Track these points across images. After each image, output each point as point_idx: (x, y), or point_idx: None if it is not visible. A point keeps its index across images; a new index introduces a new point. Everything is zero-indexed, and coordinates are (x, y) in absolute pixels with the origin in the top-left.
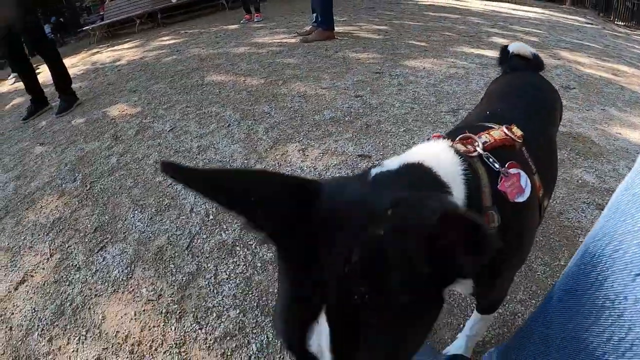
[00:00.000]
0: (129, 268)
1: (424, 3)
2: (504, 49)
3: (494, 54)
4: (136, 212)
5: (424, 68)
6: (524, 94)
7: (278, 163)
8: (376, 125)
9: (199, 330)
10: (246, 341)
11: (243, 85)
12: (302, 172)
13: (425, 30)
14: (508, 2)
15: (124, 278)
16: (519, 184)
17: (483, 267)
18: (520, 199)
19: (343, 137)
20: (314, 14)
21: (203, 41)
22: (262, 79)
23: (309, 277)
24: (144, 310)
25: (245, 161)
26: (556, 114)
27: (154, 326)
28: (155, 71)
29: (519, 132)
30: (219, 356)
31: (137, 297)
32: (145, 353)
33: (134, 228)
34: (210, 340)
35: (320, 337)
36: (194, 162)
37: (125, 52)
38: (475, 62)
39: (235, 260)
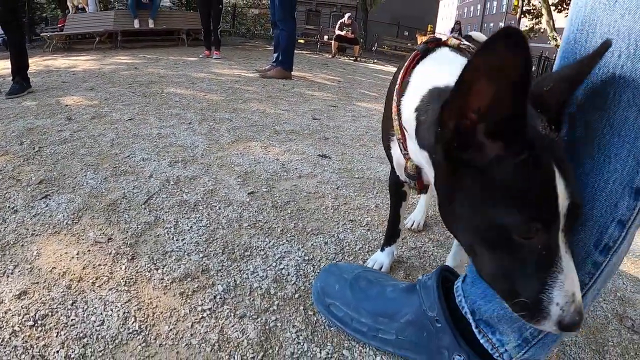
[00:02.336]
0: (75, 214)
1: (374, 68)
2: (466, 36)
3: None
4: (89, 172)
5: (375, 109)
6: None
7: (241, 153)
8: (334, 139)
9: (155, 271)
10: (210, 282)
11: (203, 99)
12: (266, 161)
13: (376, 85)
14: None
15: (69, 222)
16: None
17: None
18: None
19: (303, 142)
20: (275, 54)
21: (162, 65)
22: (222, 97)
23: None
24: (89, 251)
25: (207, 149)
26: None
27: (99, 265)
28: (113, 79)
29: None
30: (177, 295)
31: (83, 239)
32: (85, 289)
33: (85, 184)
34: (168, 280)
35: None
36: (154, 144)
37: (81, 62)
38: None
39: (197, 215)
